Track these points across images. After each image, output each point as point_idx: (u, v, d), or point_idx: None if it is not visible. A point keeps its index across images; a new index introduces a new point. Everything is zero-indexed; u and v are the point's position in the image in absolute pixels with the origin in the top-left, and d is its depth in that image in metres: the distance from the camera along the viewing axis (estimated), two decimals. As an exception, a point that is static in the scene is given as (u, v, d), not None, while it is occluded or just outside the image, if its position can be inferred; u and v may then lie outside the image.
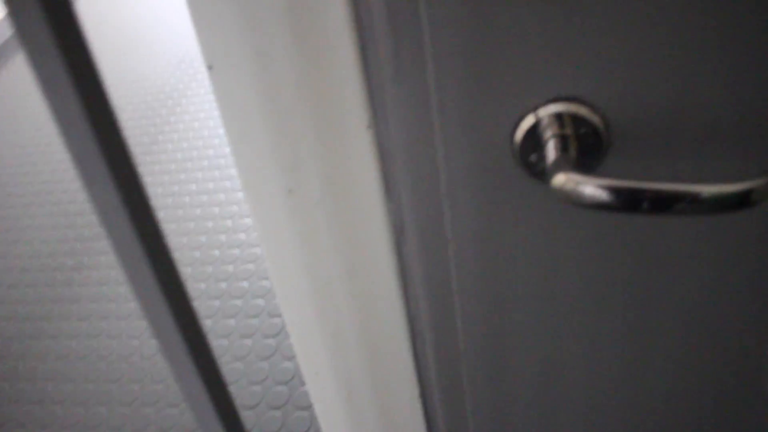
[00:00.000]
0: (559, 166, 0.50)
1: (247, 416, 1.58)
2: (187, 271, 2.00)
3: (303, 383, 1.71)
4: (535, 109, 0.53)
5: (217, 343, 1.69)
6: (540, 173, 0.55)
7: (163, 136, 2.79)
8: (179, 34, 3.74)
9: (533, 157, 0.55)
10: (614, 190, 0.47)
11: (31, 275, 2.19)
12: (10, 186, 2.72)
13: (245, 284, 1.90)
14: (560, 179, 0.50)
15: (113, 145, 0.40)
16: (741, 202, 0.45)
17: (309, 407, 1.62)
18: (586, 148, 0.52)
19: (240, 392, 1.63)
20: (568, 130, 0.51)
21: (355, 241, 0.63)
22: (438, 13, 0.49)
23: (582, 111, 0.52)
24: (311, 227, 0.63)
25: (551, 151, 0.52)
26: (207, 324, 1.83)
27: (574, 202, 0.48)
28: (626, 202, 0.46)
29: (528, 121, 0.53)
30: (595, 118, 0.52)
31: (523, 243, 0.60)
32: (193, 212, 2.23)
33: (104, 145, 0.40)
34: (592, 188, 0.46)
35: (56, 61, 0.36)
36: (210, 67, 0.57)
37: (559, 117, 0.52)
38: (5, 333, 2.03)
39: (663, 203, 0.46)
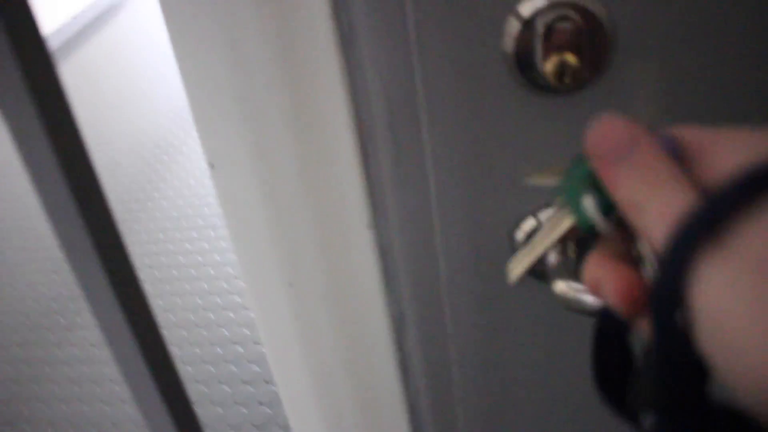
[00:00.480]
0: (560, 272, 0.50)
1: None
2: (181, 334, 1.98)
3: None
4: (535, 212, 0.53)
5: (212, 411, 1.66)
6: (540, 275, 0.55)
7: (158, 192, 2.79)
8: (176, 89, 3.78)
9: (533, 256, 0.55)
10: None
11: (21, 335, 2.17)
12: (6, 240, 2.71)
13: (240, 349, 1.88)
14: (561, 287, 0.50)
15: (95, 216, 0.40)
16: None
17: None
18: (585, 253, 0.53)
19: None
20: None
21: (355, 333, 0.63)
22: (438, 115, 0.50)
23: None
24: (311, 319, 0.62)
25: (551, 255, 0.52)
26: (201, 389, 1.80)
27: (574, 309, 0.48)
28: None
29: (529, 224, 0.54)
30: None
31: (523, 338, 0.60)
32: (187, 272, 2.22)
33: (86, 216, 0.39)
34: (593, 297, 0.47)
35: (35, 124, 0.36)
36: (211, 165, 0.57)
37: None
38: (-6, 395, 1.99)
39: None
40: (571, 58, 0.46)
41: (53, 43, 4.31)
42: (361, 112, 0.53)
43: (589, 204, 0.29)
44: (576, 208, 0.30)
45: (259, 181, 0.56)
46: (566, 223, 0.31)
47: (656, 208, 0.24)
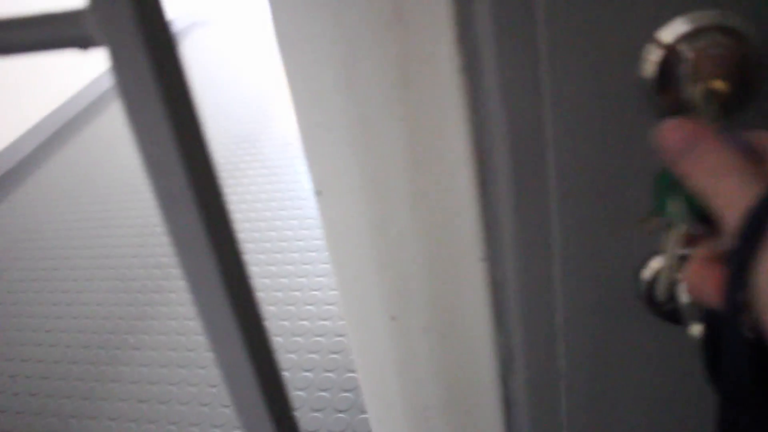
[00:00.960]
0: (695, 314, 0.47)
1: None
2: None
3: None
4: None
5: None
6: (669, 314, 0.51)
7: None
8: (239, 114, 3.84)
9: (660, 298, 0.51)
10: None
11: (75, 351, 2.21)
12: (74, 259, 2.78)
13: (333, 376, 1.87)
14: (699, 329, 0.46)
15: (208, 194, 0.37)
16: None
17: None
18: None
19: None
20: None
21: (459, 373, 0.60)
22: (566, 146, 0.47)
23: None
24: (412, 355, 0.60)
25: (683, 294, 0.48)
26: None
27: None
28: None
29: (657, 261, 0.50)
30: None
31: (641, 383, 0.56)
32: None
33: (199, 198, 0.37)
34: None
35: (158, 114, 0.34)
36: (319, 193, 0.55)
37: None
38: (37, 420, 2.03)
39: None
40: (719, 85, 0.42)
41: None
42: (482, 142, 0.51)
43: (672, 206, 0.31)
44: (667, 214, 0.31)
45: (368, 210, 0.54)
46: (672, 234, 0.33)
47: (722, 196, 0.26)
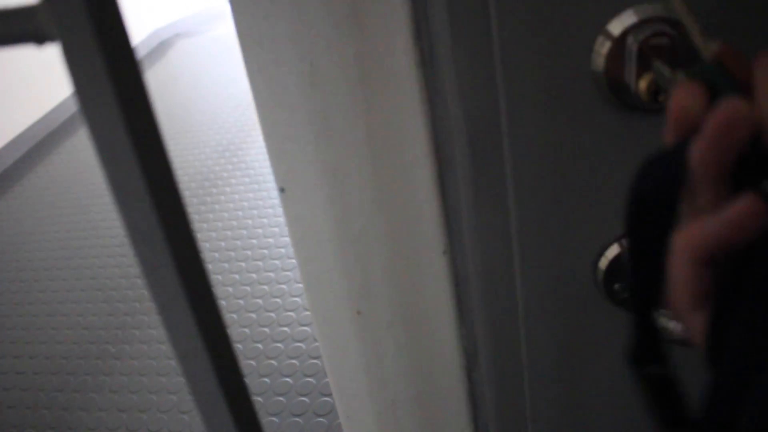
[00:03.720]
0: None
1: None
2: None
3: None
4: (619, 238, 0.51)
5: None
6: (625, 302, 0.52)
7: (207, 224, 2.82)
8: (222, 122, 3.84)
9: (617, 286, 0.52)
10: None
11: (72, 362, 2.19)
12: (55, 270, 2.76)
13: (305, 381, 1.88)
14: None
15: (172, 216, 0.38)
16: None
17: None
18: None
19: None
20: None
21: (423, 365, 0.60)
22: (521, 138, 0.48)
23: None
24: (378, 350, 0.60)
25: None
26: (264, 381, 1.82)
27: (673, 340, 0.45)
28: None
29: (612, 250, 0.51)
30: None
31: (603, 373, 0.57)
32: (228, 317, 2.23)
33: (163, 219, 0.37)
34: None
35: (120, 133, 0.35)
36: (282, 190, 0.56)
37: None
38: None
39: None
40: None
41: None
42: (440, 136, 0.52)
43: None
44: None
45: (331, 205, 0.55)
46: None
47: None
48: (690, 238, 0.25)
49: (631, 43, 0.44)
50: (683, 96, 0.27)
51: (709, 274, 0.25)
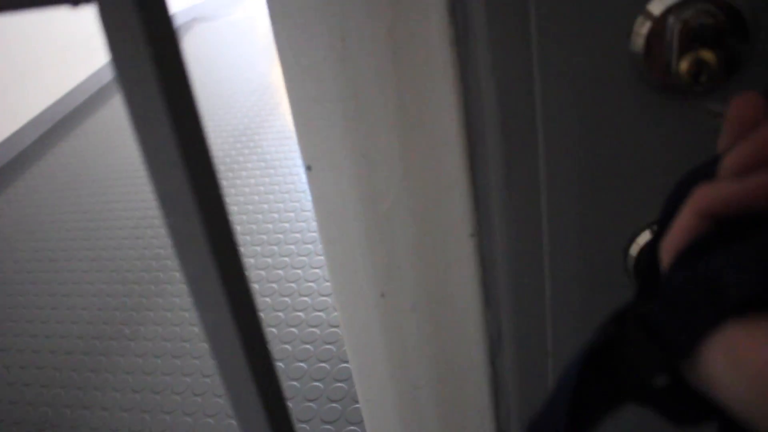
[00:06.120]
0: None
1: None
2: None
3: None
4: (651, 224, 0.50)
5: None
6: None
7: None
8: (239, 107, 3.84)
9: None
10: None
11: (87, 342, 2.21)
12: (71, 250, 2.78)
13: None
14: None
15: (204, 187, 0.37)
16: None
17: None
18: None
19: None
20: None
21: (447, 348, 0.60)
22: (555, 120, 0.47)
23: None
24: (401, 332, 0.60)
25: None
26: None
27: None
28: None
29: (644, 236, 0.50)
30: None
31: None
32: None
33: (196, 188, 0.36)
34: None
35: (157, 106, 0.34)
36: (308, 168, 0.55)
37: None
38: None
39: None
40: (708, 56, 0.42)
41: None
42: (472, 115, 0.51)
43: None
44: None
45: (358, 184, 0.54)
46: None
47: None
48: (706, 191, 0.26)
49: (673, 23, 0.43)
50: (743, 105, 0.27)
51: (708, 229, 0.26)
